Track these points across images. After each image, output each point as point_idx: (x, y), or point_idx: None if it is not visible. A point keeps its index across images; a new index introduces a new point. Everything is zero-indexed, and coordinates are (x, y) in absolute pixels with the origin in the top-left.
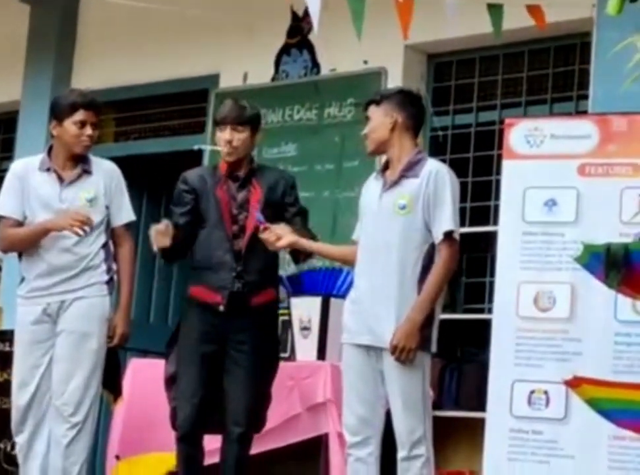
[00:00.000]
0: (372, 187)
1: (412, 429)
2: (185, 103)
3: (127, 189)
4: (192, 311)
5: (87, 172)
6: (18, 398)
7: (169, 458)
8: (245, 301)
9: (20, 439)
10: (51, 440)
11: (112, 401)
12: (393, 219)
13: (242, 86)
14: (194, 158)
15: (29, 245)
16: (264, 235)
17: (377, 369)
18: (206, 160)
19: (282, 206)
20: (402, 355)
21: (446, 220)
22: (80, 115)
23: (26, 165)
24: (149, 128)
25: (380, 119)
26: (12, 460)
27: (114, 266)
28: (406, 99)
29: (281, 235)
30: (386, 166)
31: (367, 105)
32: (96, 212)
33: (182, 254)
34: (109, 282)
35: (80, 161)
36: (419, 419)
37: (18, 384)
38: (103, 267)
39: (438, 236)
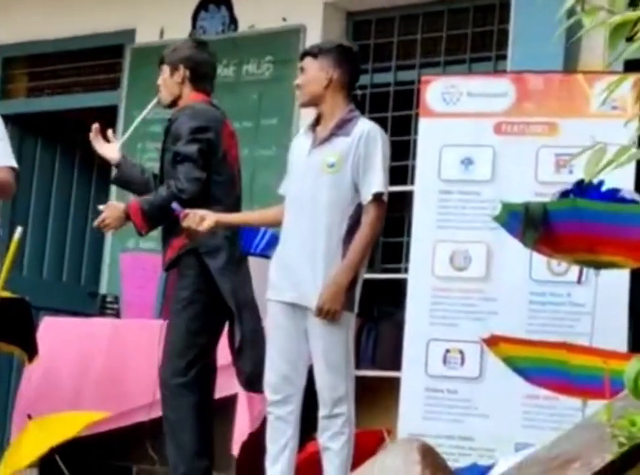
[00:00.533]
0: (301, 142)
1: (334, 388)
2: (100, 59)
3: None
4: None
5: None
6: None
7: (82, 417)
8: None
9: None
10: None
11: (26, 360)
12: (321, 177)
13: (158, 42)
14: (109, 114)
15: None
16: (185, 223)
17: (301, 326)
18: (121, 119)
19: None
20: (328, 317)
21: (376, 181)
22: None
23: None
24: (63, 83)
25: (315, 73)
26: None
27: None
28: (343, 56)
29: (204, 217)
30: (317, 121)
31: (303, 55)
32: None
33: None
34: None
35: None
36: (341, 377)
37: None
38: None
39: (367, 197)
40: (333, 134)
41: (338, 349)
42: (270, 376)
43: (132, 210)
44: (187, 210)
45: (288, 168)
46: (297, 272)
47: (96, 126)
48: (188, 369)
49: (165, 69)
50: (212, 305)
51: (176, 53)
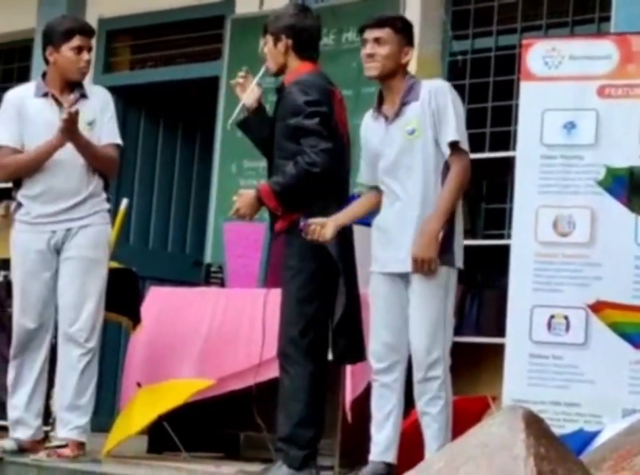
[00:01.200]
0: (372, 126)
1: (429, 350)
2: (201, 30)
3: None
4: None
5: (84, 96)
6: (21, 325)
7: (189, 384)
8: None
9: (14, 363)
10: (62, 365)
11: (131, 328)
12: (406, 145)
13: (258, 12)
14: (211, 85)
15: (35, 169)
16: (310, 236)
17: (404, 295)
18: (222, 90)
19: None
20: (424, 266)
21: (450, 131)
22: (76, 41)
23: (21, 92)
24: (165, 55)
25: (396, 48)
26: None
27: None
28: (412, 32)
29: (324, 225)
30: (379, 101)
31: (382, 23)
32: (94, 135)
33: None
34: (109, 211)
35: (75, 86)
36: (437, 339)
37: (21, 312)
38: (104, 195)
39: (446, 150)
40: (403, 104)
41: (434, 305)
42: (374, 344)
43: (264, 194)
44: (309, 221)
45: (364, 154)
46: (397, 241)
47: (241, 74)
48: (301, 337)
49: (269, 39)
50: (320, 273)
51: (278, 22)
